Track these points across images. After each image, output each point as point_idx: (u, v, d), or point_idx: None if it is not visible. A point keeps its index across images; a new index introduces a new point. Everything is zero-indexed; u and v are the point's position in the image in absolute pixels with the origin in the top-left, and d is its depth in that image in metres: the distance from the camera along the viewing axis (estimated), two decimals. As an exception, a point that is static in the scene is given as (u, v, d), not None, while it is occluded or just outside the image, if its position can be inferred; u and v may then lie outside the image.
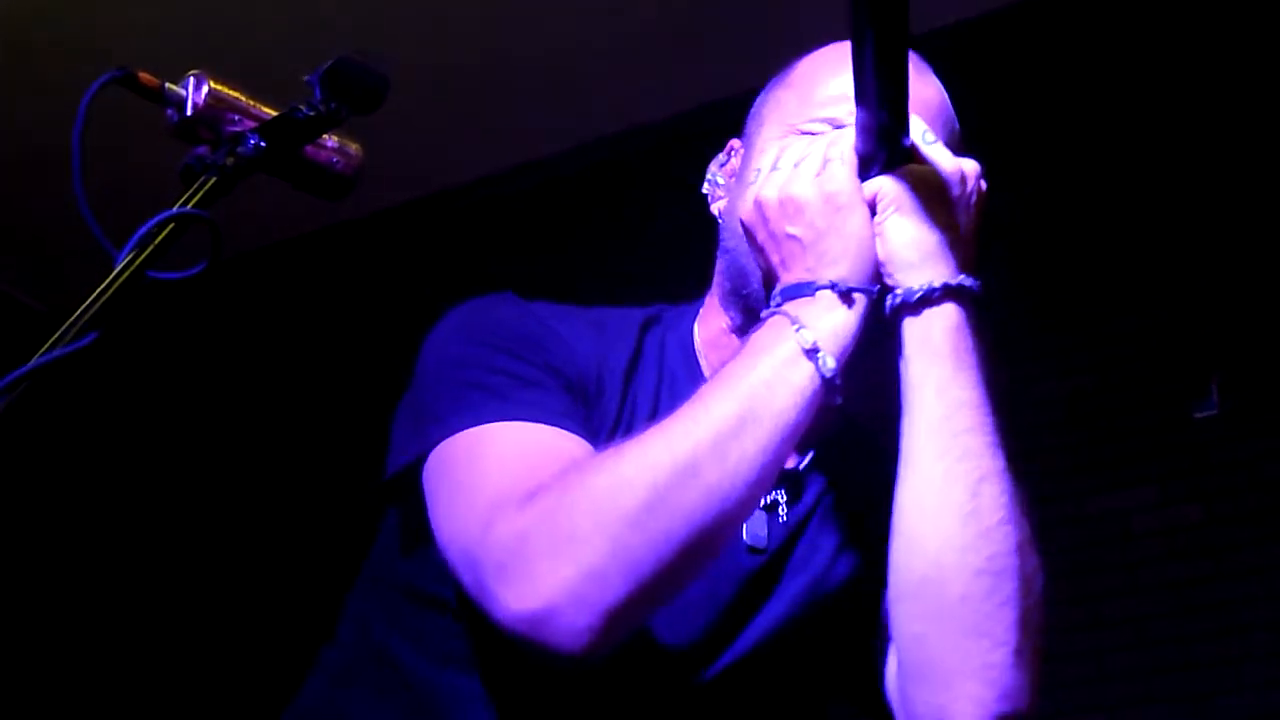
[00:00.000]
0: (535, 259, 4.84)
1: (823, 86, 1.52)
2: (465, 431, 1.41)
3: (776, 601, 1.54)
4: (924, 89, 1.50)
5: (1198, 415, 3.95)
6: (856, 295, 1.36)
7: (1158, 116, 4.29)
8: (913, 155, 1.39)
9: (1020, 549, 1.38)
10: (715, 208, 1.60)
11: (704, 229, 1.63)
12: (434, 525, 1.42)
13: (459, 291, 1.61)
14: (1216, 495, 3.90)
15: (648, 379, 1.55)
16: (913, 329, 1.37)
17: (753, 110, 1.62)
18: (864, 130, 1.37)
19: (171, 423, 5.51)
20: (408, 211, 5.26)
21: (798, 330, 1.34)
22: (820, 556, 1.57)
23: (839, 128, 1.47)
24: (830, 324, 1.35)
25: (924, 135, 1.40)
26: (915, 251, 1.37)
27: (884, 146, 1.37)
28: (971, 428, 1.37)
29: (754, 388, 1.32)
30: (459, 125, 4.89)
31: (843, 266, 1.36)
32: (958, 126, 1.56)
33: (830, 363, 1.33)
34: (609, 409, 1.50)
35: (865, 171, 1.39)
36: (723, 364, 1.49)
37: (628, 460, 1.30)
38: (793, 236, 1.38)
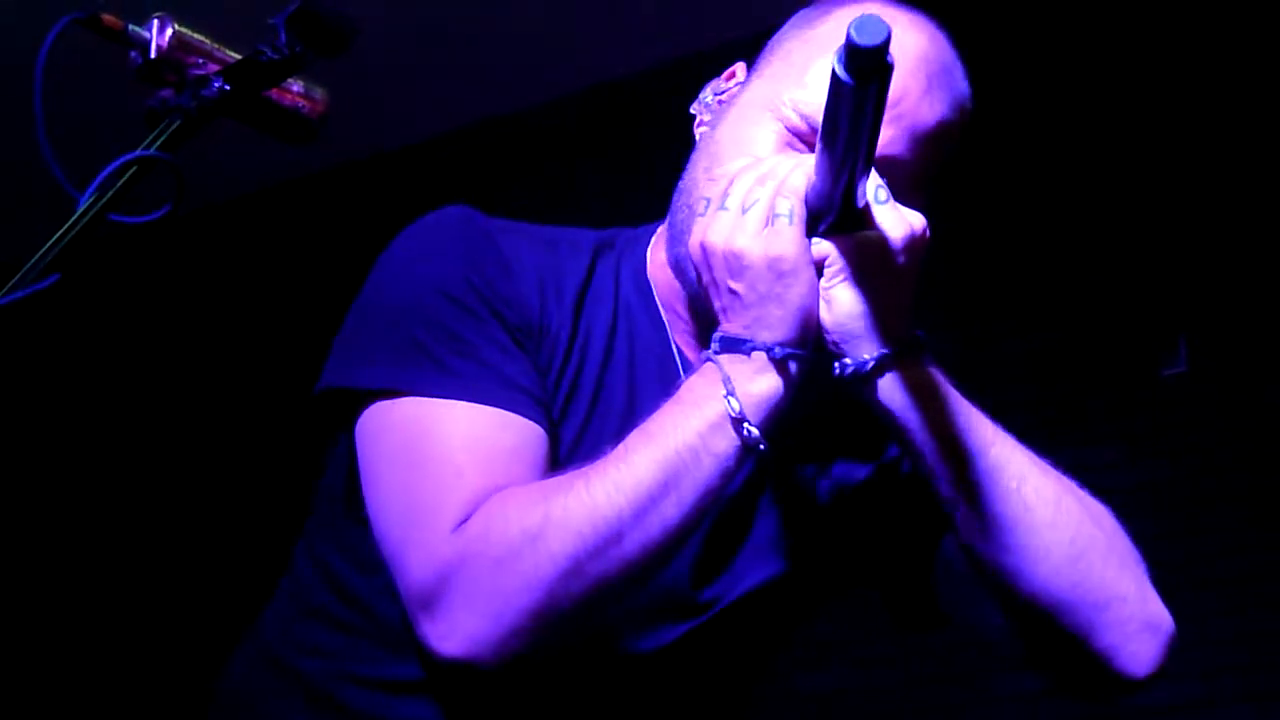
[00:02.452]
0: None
1: (817, 65, 1.45)
2: (408, 399, 1.42)
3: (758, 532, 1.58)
4: (929, 111, 1.45)
5: (1166, 373, 3.97)
6: (792, 361, 1.36)
7: (1126, 72, 4.29)
8: (864, 216, 1.35)
9: (1086, 511, 1.45)
10: (697, 131, 1.56)
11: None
12: (366, 501, 1.44)
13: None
14: (1184, 452, 3.93)
15: (602, 308, 1.55)
16: (879, 391, 1.38)
17: (774, 37, 1.56)
18: (820, 175, 1.32)
19: (128, 370, 5.50)
20: (378, 163, 5.24)
21: (727, 396, 1.34)
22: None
23: (813, 128, 1.39)
24: (760, 390, 1.35)
25: (876, 195, 1.35)
26: (861, 322, 1.36)
27: (837, 203, 1.33)
28: (984, 447, 1.41)
29: (679, 453, 1.33)
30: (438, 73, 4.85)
31: (780, 332, 1.35)
32: (959, 132, 1.50)
33: (755, 433, 1.34)
34: (560, 337, 1.50)
35: (813, 225, 1.36)
36: (670, 299, 1.55)
37: (551, 518, 1.32)
38: (735, 292, 1.36)
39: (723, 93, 1.57)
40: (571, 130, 5.03)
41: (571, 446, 1.48)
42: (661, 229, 1.59)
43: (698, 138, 1.55)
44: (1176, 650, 1.48)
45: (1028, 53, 4.39)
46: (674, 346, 1.55)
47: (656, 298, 1.57)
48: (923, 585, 1.61)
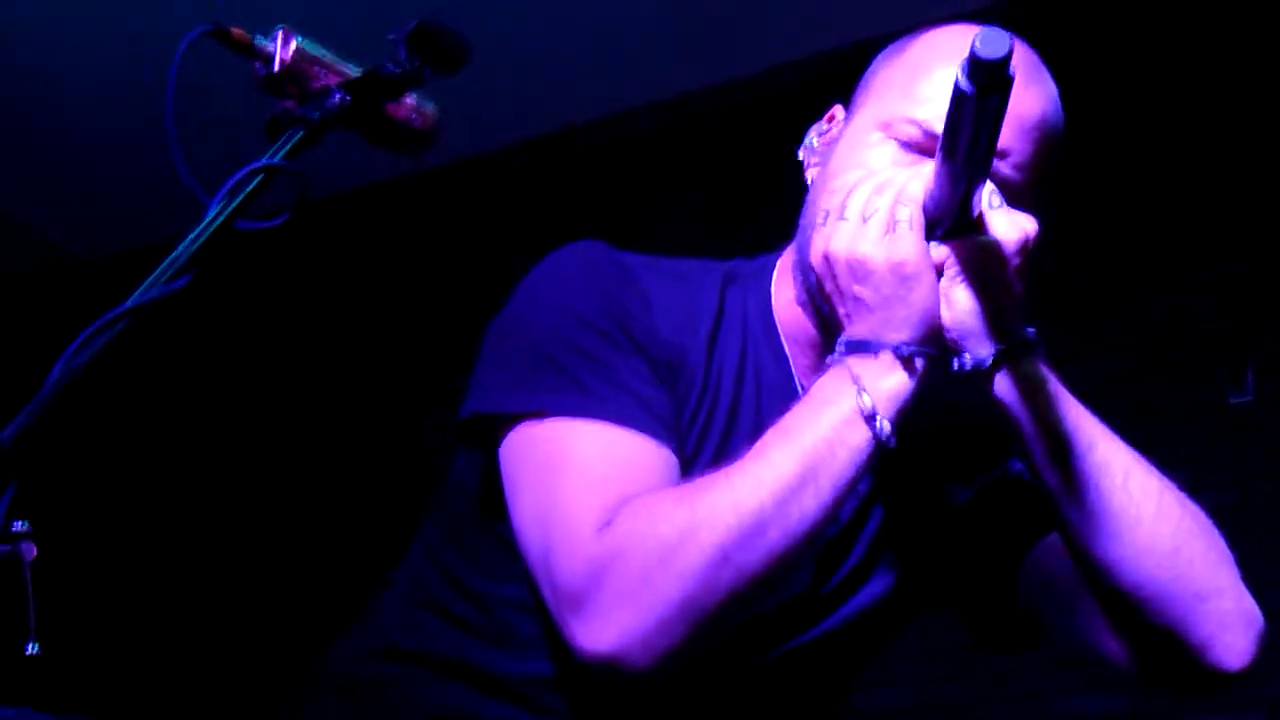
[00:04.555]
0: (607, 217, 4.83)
1: (926, 81, 1.53)
2: (550, 421, 1.47)
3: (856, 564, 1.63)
4: (1029, 104, 1.51)
5: (1233, 401, 3.97)
6: (918, 360, 1.42)
7: (1199, 99, 4.30)
8: (978, 222, 1.42)
9: (1186, 509, 1.50)
10: (809, 175, 1.62)
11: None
12: (511, 516, 1.49)
13: (537, 246, 1.64)
14: (1251, 479, 3.92)
15: (732, 342, 1.60)
16: (994, 387, 1.45)
17: (864, 77, 1.63)
18: (939, 183, 1.39)
19: (235, 370, 5.58)
20: (491, 162, 5.27)
21: (859, 393, 1.40)
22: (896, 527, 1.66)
23: (929, 135, 1.48)
24: (890, 388, 1.41)
25: (991, 201, 1.43)
26: (978, 320, 1.42)
27: (954, 210, 1.40)
28: (1092, 442, 1.46)
29: (816, 447, 1.39)
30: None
31: (905, 332, 1.41)
32: (1060, 133, 1.57)
33: (887, 427, 1.40)
34: (695, 375, 1.55)
35: (931, 230, 1.42)
36: (793, 336, 1.60)
37: (699, 512, 1.37)
38: (859, 297, 1.42)
39: (825, 133, 1.64)
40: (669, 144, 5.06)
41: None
42: (781, 262, 1.65)
43: (809, 180, 1.62)
44: (1266, 647, 1.52)
45: (1109, 66, 4.40)
46: (796, 382, 1.61)
47: (781, 333, 1.63)
48: (1009, 599, 1.66)
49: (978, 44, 1.23)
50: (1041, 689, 3.90)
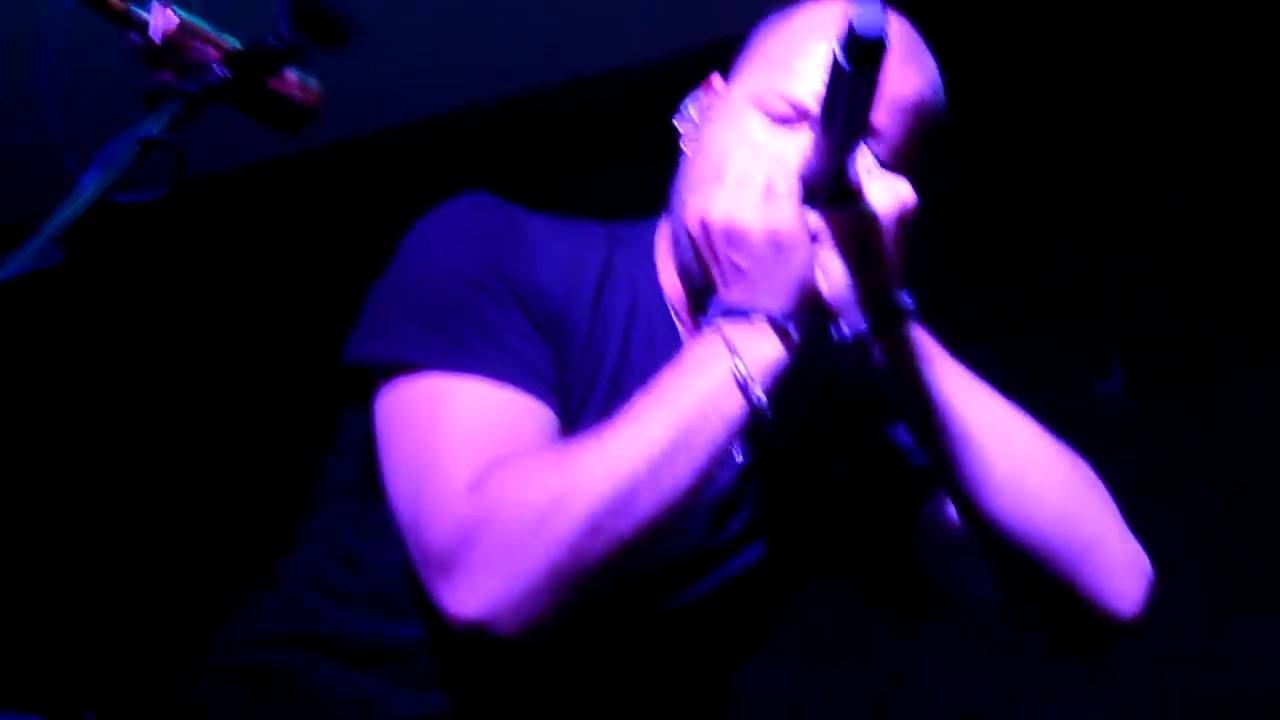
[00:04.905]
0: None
1: (800, 57, 1.54)
2: (426, 374, 1.46)
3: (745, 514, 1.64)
4: (904, 84, 1.53)
5: (1100, 390, 4.04)
6: (792, 327, 1.42)
7: (1103, 88, 4.36)
8: (856, 191, 1.43)
9: (1068, 460, 1.52)
10: (685, 144, 1.63)
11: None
12: (383, 472, 1.48)
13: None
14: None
15: (619, 300, 1.60)
16: (873, 354, 1.46)
17: (744, 46, 1.64)
18: (817, 153, 1.40)
19: (112, 350, 5.47)
20: (372, 144, 5.22)
21: (734, 359, 1.40)
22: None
23: (800, 111, 1.51)
24: (763, 354, 1.41)
25: (867, 168, 1.44)
26: (854, 290, 1.43)
27: (831, 178, 1.41)
28: (973, 404, 1.48)
29: (690, 413, 1.39)
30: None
31: (780, 300, 1.42)
32: (940, 111, 1.60)
33: (761, 395, 1.40)
34: (578, 328, 1.55)
35: (808, 199, 1.43)
36: (677, 301, 1.62)
37: (571, 477, 1.36)
38: (735, 263, 1.42)
39: (703, 102, 1.64)
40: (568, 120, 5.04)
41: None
42: (662, 227, 1.65)
43: (685, 149, 1.62)
44: (1157, 595, 1.54)
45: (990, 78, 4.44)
46: (684, 341, 1.60)
47: (666, 295, 1.63)
48: (908, 561, 1.68)
49: (853, 18, 1.25)
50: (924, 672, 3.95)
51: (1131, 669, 3.43)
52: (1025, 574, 1.52)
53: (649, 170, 1.72)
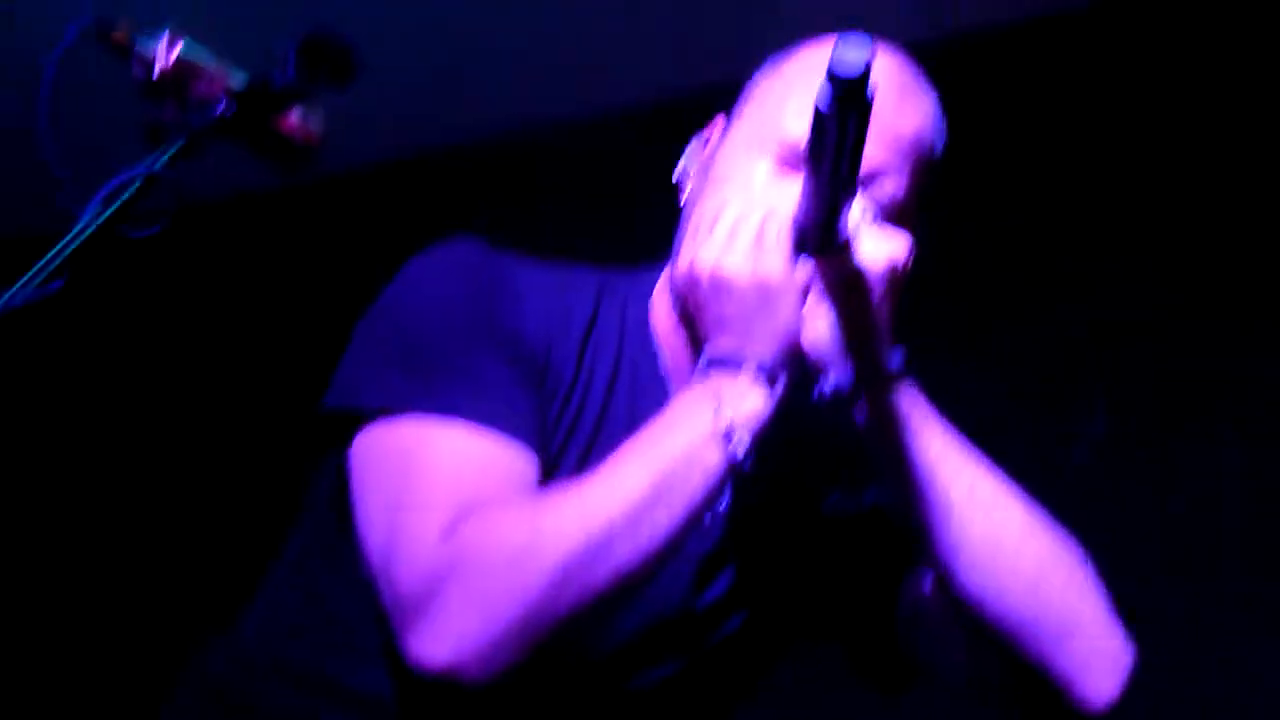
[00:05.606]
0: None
1: (795, 97, 1.51)
2: (405, 418, 1.44)
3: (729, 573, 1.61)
4: (900, 120, 1.50)
5: (1086, 433, 4.05)
6: (778, 380, 1.40)
7: (1068, 145, 4.38)
8: (849, 240, 1.40)
9: (1053, 539, 1.47)
10: (686, 187, 1.61)
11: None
12: (356, 516, 1.45)
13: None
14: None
15: (606, 349, 1.58)
16: (858, 410, 1.43)
17: (745, 87, 1.61)
18: (807, 201, 1.37)
19: (107, 377, 5.46)
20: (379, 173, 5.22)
21: (717, 411, 1.38)
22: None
23: (796, 153, 1.46)
24: (748, 406, 1.39)
25: (863, 219, 1.41)
26: (841, 344, 1.41)
27: (823, 227, 1.38)
28: (956, 472, 1.44)
29: (671, 464, 1.36)
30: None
31: (767, 350, 1.40)
32: (938, 151, 1.56)
33: (743, 448, 1.38)
34: (562, 376, 1.53)
35: (800, 248, 1.40)
36: (671, 349, 1.59)
37: (545, 525, 1.34)
38: (723, 312, 1.41)
39: (705, 145, 1.62)
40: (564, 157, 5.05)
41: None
42: (664, 277, 1.63)
43: (687, 193, 1.60)
44: (1137, 684, 1.50)
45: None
46: (672, 393, 1.57)
47: (658, 344, 1.61)
48: (888, 631, 1.64)
49: (834, 58, 1.19)
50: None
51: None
52: (998, 653, 1.48)
53: (651, 210, 1.71)
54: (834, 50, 1.19)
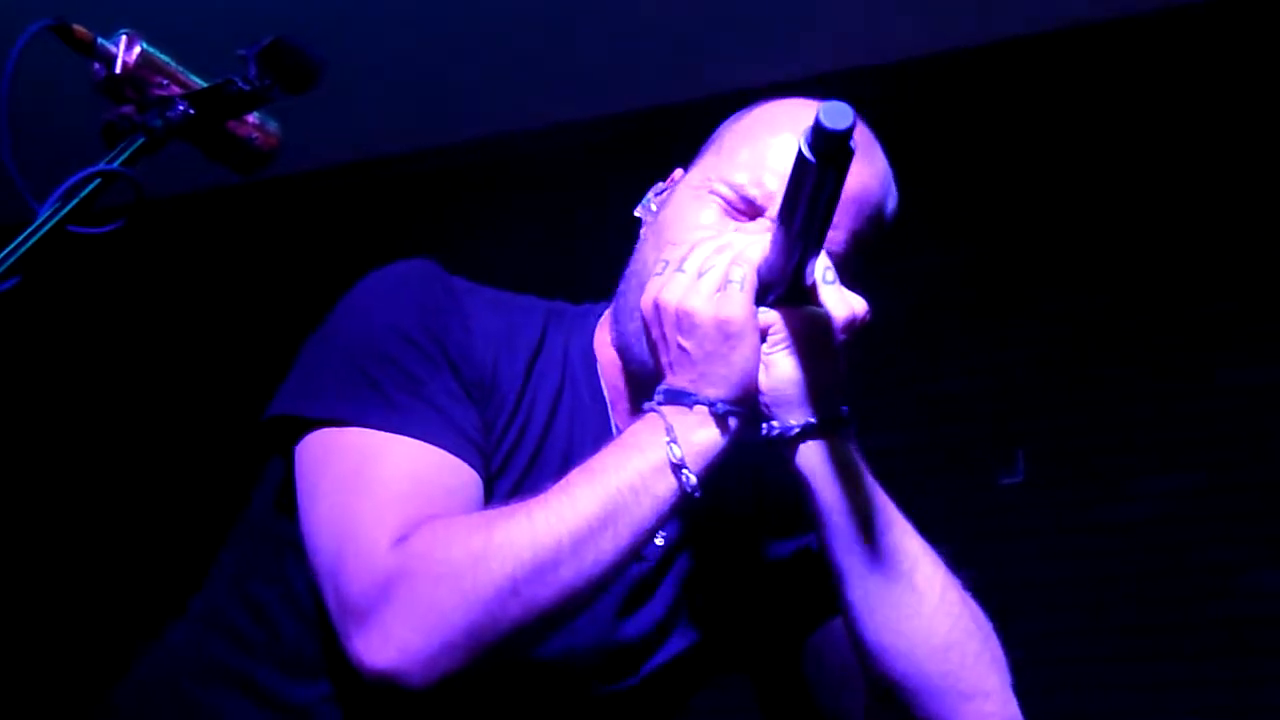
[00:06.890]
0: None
1: (749, 148, 1.56)
2: (353, 430, 1.46)
3: (656, 605, 1.63)
4: (861, 181, 1.54)
5: (1004, 482, 4.10)
6: (731, 418, 1.43)
7: (989, 197, 4.44)
8: (810, 293, 1.44)
9: (967, 608, 1.52)
10: (644, 229, 1.64)
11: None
12: (302, 523, 1.47)
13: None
14: (1009, 562, 4.06)
15: (550, 375, 1.61)
16: (800, 457, 1.46)
17: (707, 139, 1.66)
18: (775, 249, 1.41)
19: (59, 376, 5.41)
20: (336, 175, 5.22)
21: (670, 443, 1.41)
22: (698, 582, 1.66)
23: (745, 200, 1.53)
24: (700, 441, 1.42)
25: (824, 275, 1.45)
26: (795, 390, 1.44)
27: (787, 278, 1.42)
28: (885, 529, 1.48)
29: (620, 491, 1.39)
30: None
31: (722, 390, 1.43)
32: (891, 210, 1.61)
33: (693, 480, 1.41)
34: (506, 398, 1.56)
35: (762, 295, 1.44)
36: (612, 381, 1.62)
37: (496, 539, 1.37)
38: (683, 348, 1.43)
39: (662, 192, 1.66)
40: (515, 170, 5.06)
41: (504, 501, 1.51)
42: (608, 311, 1.66)
43: (642, 234, 1.63)
44: None
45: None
46: (612, 423, 1.62)
47: (600, 375, 1.64)
48: (794, 672, 1.68)
49: (822, 114, 1.25)
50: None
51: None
52: (898, 708, 1.52)
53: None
54: (823, 105, 1.25)
